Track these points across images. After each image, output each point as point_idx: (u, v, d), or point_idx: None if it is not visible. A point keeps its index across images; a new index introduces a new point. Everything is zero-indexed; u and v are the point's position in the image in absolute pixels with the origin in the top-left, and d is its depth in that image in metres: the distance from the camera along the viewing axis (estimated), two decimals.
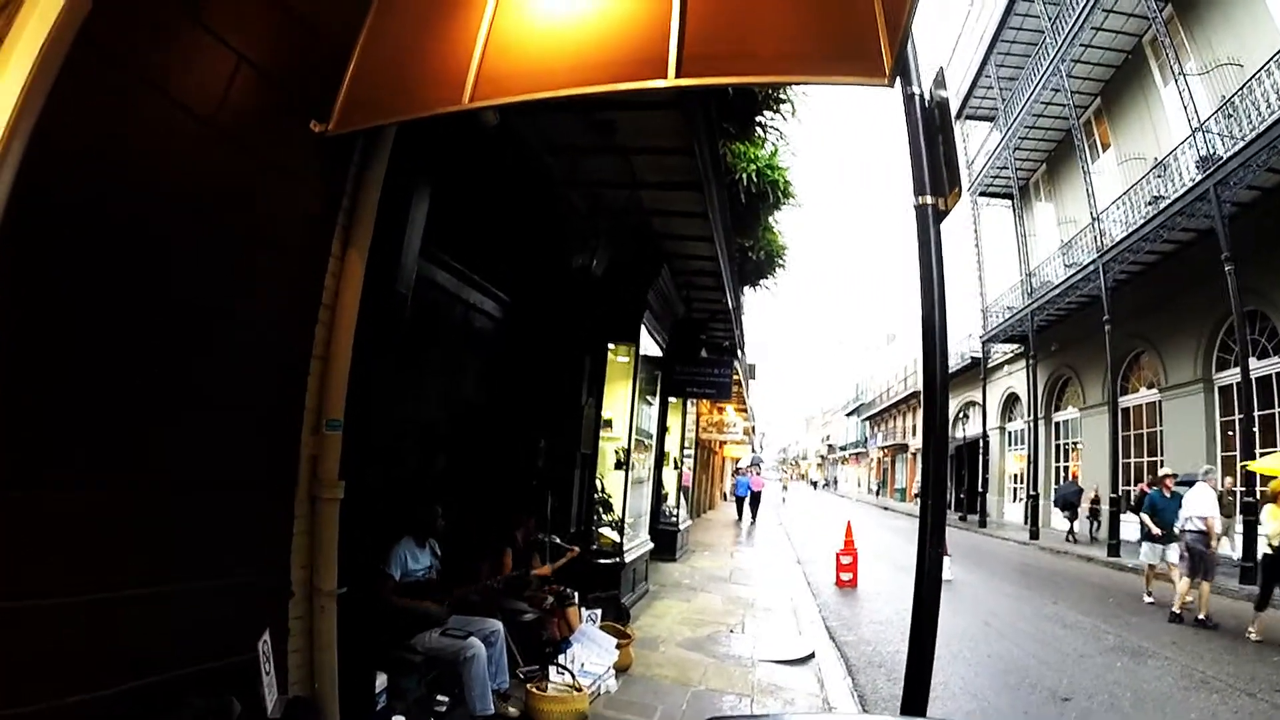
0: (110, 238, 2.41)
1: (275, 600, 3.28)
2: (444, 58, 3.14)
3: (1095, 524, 18.84)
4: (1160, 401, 17.81)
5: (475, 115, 3.57)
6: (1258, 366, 13.77)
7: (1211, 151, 13.02)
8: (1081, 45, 18.14)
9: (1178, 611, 9.58)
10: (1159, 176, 15.28)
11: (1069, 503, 19.37)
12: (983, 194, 26.36)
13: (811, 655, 7.19)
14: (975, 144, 26.74)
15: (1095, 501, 18.84)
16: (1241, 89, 12.42)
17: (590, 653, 5.81)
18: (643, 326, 8.55)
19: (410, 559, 4.78)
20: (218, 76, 2.77)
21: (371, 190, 3.64)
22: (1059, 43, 18.41)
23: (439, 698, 4.46)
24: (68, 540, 2.32)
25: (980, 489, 26.87)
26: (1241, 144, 12.11)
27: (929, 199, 3.46)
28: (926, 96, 3.15)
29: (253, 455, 3.16)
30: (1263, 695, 6.32)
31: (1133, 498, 14.39)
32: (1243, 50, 13.65)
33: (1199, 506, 9.59)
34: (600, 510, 8.37)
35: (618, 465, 8.69)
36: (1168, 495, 10.82)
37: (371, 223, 3.65)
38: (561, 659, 5.42)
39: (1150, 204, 15.34)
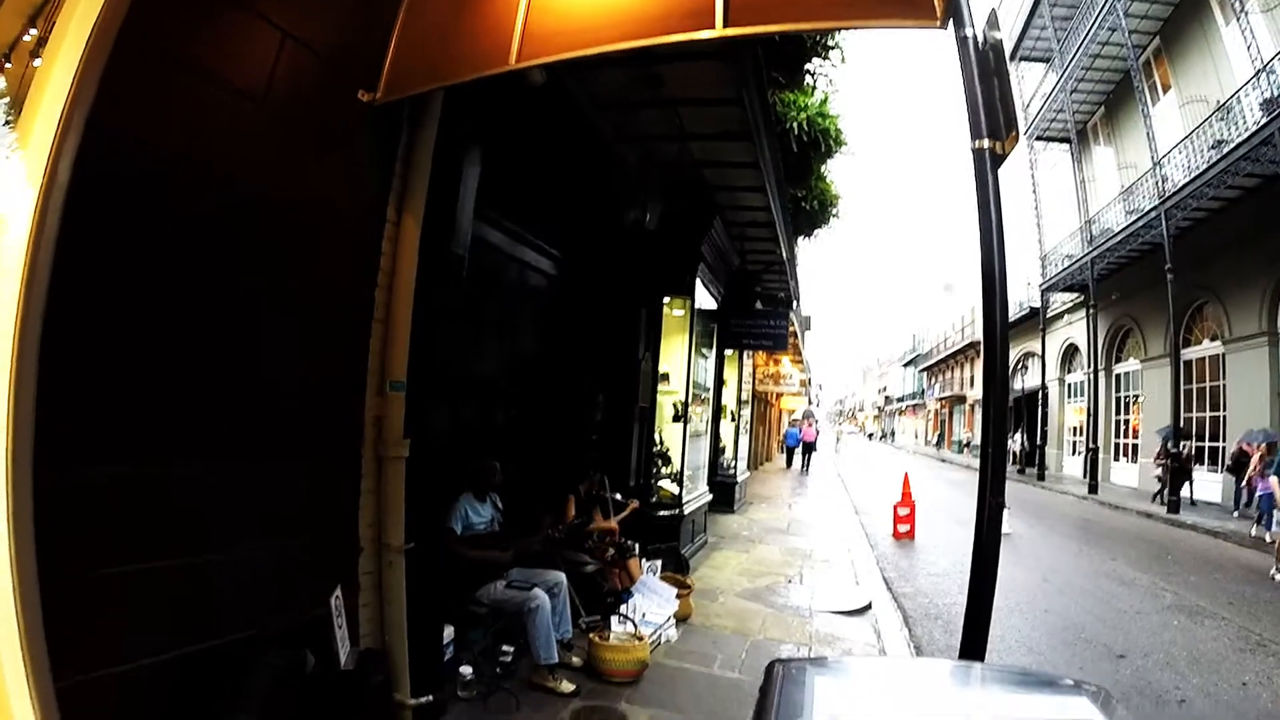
0: (168, 220, 2.50)
1: (345, 557, 3.42)
2: (488, 19, 3.13)
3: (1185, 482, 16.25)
4: (1224, 354, 17.10)
5: (522, 75, 3.56)
6: None
7: (1276, 94, 12.32)
8: None
9: None
10: (1222, 120, 14.44)
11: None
12: (1039, 138, 25.15)
13: (869, 606, 7.21)
14: (1030, 86, 25.45)
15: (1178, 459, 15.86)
16: None
17: (651, 603, 5.91)
18: (697, 279, 8.52)
19: (472, 513, 4.90)
20: (264, 54, 2.82)
21: (423, 155, 3.68)
22: None
23: (504, 648, 4.61)
24: (155, 510, 2.46)
25: (1039, 441, 26.31)
26: None
27: (986, 143, 3.36)
28: (980, 38, 3.03)
29: (319, 420, 3.28)
30: None
31: (1228, 455, 14.01)
32: None
33: None
34: (659, 463, 8.44)
35: (675, 418, 8.72)
36: None
37: (425, 187, 3.70)
38: (623, 609, 5.53)
39: (1213, 148, 14.51)
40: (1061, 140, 24.39)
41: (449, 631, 4.26)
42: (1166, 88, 18.99)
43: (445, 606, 4.29)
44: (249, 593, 2.81)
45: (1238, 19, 13.49)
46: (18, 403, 2.00)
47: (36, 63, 2.12)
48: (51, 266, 2.05)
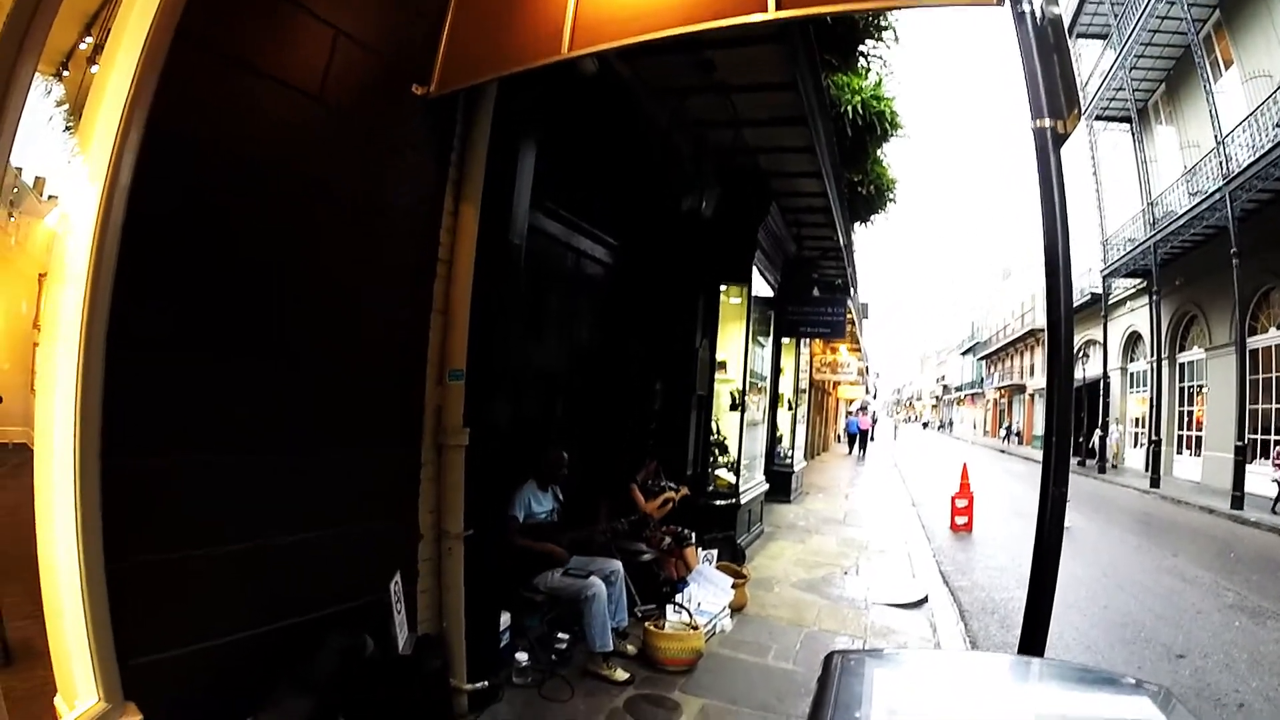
0: (229, 218, 2.58)
1: (405, 543, 3.50)
2: (539, 9, 3.13)
3: None
4: None
5: (574, 64, 3.56)
6: None
7: None
8: None
9: None
10: None
11: None
12: (1099, 118, 24.17)
13: (925, 599, 7.10)
14: (1088, 64, 24.32)
15: None
16: None
17: (707, 592, 5.91)
18: (753, 266, 8.45)
19: (534, 502, 4.95)
20: (316, 51, 2.87)
21: (479, 146, 3.72)
22: None
23: (560, 635, 4.65)
24: (221, 497, 2.56)
25: (1101, 431, 25.47)
26: None
27: (1047, 122, 3.26)
28: (1038, 14, 2.94)
29: (380, 409, 3.35)
30: None
31: None
32: None
33: None
34: (716, 452, 8.42)
35: (732, 407, 8.69)
36: None
37: (481, 178, 3.74)
38: (679, 598, 5.54)
39: (1279, 125, 13.80)
40: (1122, 120, 23.36)
41: (505, 618, 4.32)
42: (1229, 63, 18.05)
43: (502, 593, 4.35)
44: (311, 578, 2.90)
45: None
46: (85, 396, 2.09)
47: (94, 69, 2.18)
48: (116, 266, 2.14)
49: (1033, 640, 3.30)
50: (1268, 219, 15.47)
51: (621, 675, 4.53)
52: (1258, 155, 14.43)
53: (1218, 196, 15.84)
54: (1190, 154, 19.15)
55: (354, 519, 3.11)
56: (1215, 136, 16.02)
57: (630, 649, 4.97)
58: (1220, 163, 15.86)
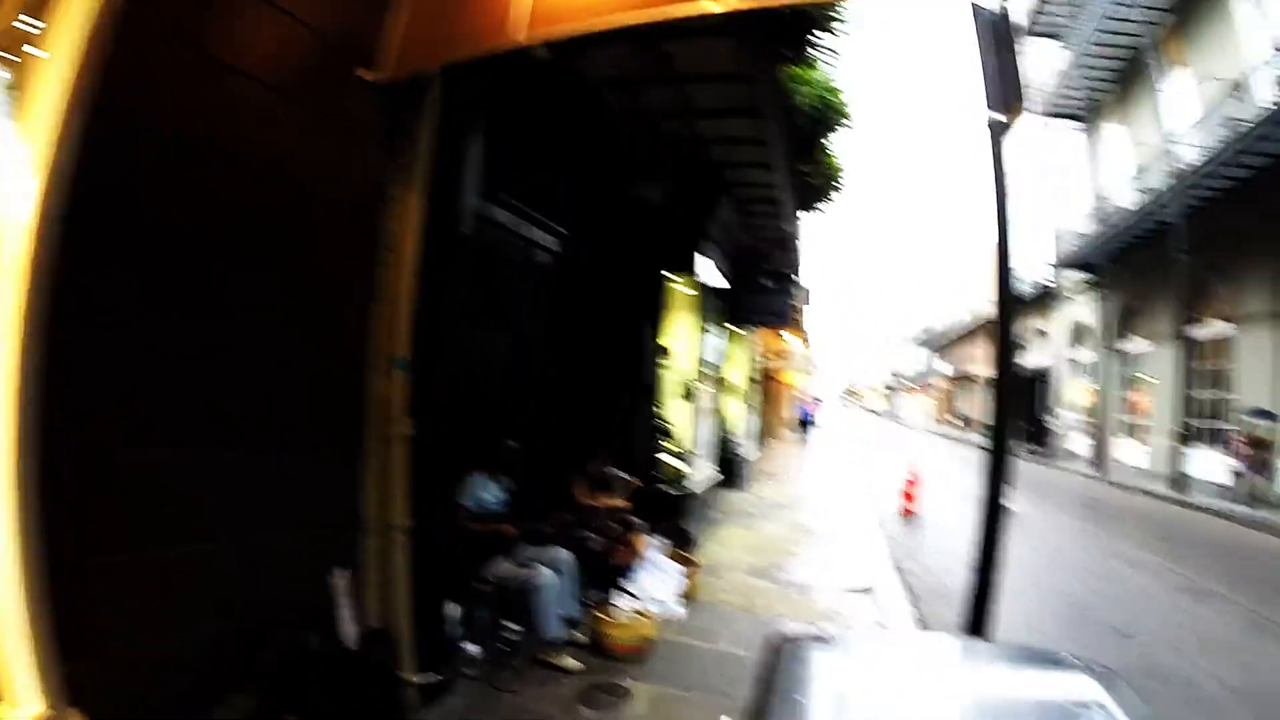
0: (169, 200, 2.49)
1: (350, 537, 3.43)
2: None
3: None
4: (1233, 335, 16.87)
5: (527, 51, 3.52)
6: None
7: None
8: None
9: None
10: (1236, 97, 14.19)
11: None
12: (1052, 115, 24.75)
13: (873, 584, 7.24)
14: (1043, 63, 25.14)
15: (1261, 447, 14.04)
16: None
17: (656, 580, 5.93)
18: (702, 255, 8.46)
19: (483, 492, 4.91)
20: (266, 35, 2.81)
21: (427, 133, 3.65)
22: None
23: (510, 625, 4.63)
24: (168, 493, 2.48)
25: (1046, 419, 26.20)
26: None
27: (999, 114, 3.33)
28: (994, 7, 3.00)
29: (322, 401, 3.28)
30: None
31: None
32: None
33: None
34: (665, 440, 8.45)
35: (682, 396, 8.72)
36: None
37: (428, 164, 3.67)
38: (629, 586, 5.55)
39: (1226, 126, 14.23)
40: (1074, 118, 24.05)
41: (454, 610, 4.28)
42: (1180, 64, 18.65)
43: (450, 585, 4.30)
44: (256, 575, 2.83)
45: None
46: (23, 393, 2.01)
47: (38, 52, 2.11)
48: (57, 254, 2.06)
49: (977, 621, 3.40)
50: (1213, 217, 15.97)
51: (573, 664, 4.53)
52: (1206, 155, 14.91)
53: (1165, 194, 16.34)
54: (1139, 152, 19.72)
55: (297, 512, 3.05)
56: (1164, 136, 16.56)
57: (581, 638, 4.97)
58: (1168, 161, 16.35)
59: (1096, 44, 20.24)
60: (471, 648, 4.32)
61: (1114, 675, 1.86)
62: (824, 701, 1.58)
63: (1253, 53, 14.44)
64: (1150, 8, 17.82)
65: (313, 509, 3.17)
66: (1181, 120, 16.68)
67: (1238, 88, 14.21)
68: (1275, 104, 12.57)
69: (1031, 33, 23.97)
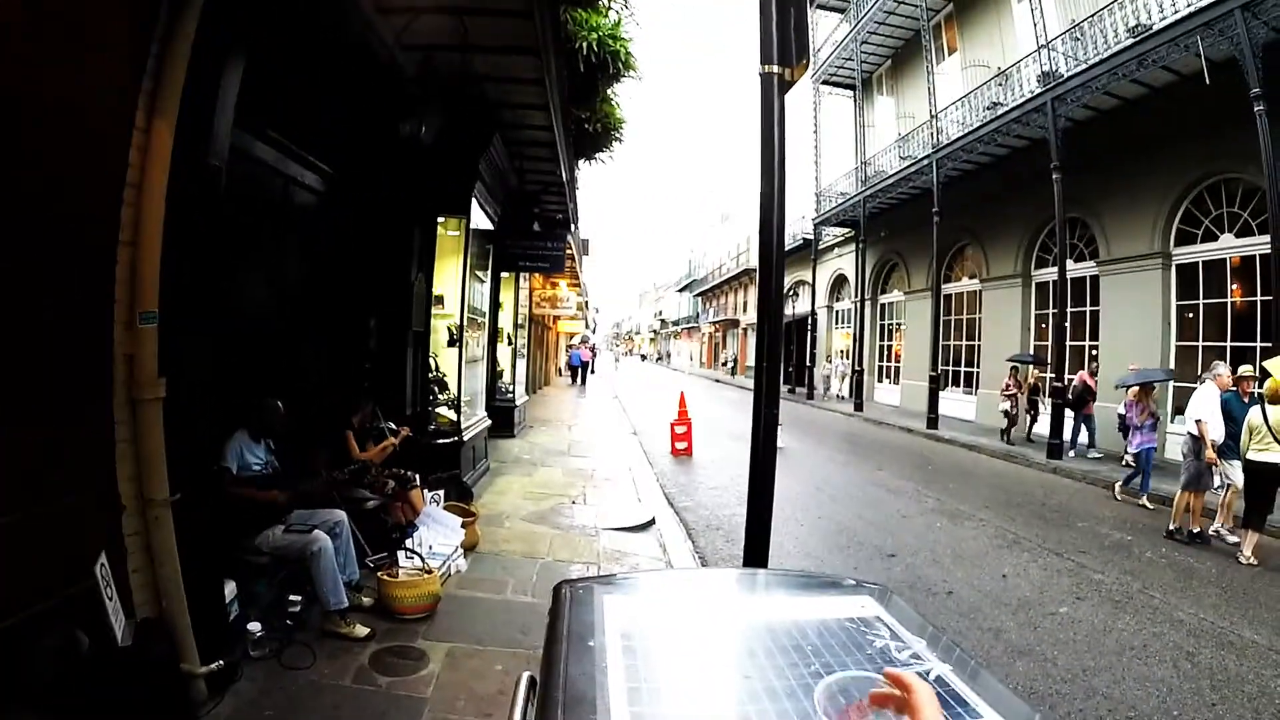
0: None
1: (106, 518, 2.99)
2: None
3: (1031, 418, 16.07)
4: (981, 291, 19.46)
5: None
6: (1073, 268, 15.19)
7: (1054, 69, 13.82)
8: None
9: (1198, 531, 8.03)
10: (1000, 84, 16.08)
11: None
12: (825, 83, 26.47)
13: (652, 521, 7.55)
14: (823, 33, 26.57)
15: (1032, 391, 16.21)
16: (1093, 16, 13.05)
17: (437, 534, 5.81)
18: (474, 199, 8.21)
19: (247, 453, 4.52)
20: None
21: (179, 54, 3.17)
22: None
23: (291, 598, 4.33)
24: None
25: (809, 363, 28.62)
26: (1083, 66, 12.91)
27: (776, 68, 3.46)
28: None
29: (56, 359, 2.80)
30: (1068, 555, 7.18)
31: (1071, 388, 13.68)
32: None
33: (1199, 409, 8.11)
34: (435, 389, 8.18)
35: (451, 343, 8.46)
36: (1245, 401, 8.20)
37: (180, 89, 3.21)
38: (409, 543, 5.40)
39: (989, 109, 16.16)
40: (847, 87, 25.72)
41: (231, 587, 3.91)
42: (953, 49, 20.58)
43: (223, 560, 3.93)
44: (3, 572, 2.37)
45: None
46: None
47: None
48: None
49: (756, 553, 3.62)
50: (965, 187, 18.23)
51: (362, 631, 4.34)
52: (968, 131, 16.79)
53: (926, 163, 18.25)
54: (904, 124, 21.72)
55: (39, 495, 2.59)
56: (931, 111, 18.28)
57: (366, 601, 4.78)
58: (932, 134, 18.19)
59: (877, 22, 21.88)
60: (255, 626, 3.98)
61: (888, 591, 2.02)
62: (614, 643, 1.59)
63: (1020, 48, 16.28)
64: None
65: (59, 489, 2.71)
66: (946, 98, 18.49)
67: (1003, 76, 16.01)
68: (1032, 93, 14.41)
69: (814, 4, 25.35)
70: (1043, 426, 14.52)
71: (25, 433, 2.59)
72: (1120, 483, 10.30)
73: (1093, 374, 13.93)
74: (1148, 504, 9.60)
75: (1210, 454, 7.82)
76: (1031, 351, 16.98)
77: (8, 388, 2.52)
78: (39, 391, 2.69)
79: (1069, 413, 13.74)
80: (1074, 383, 13.85)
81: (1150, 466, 9.80)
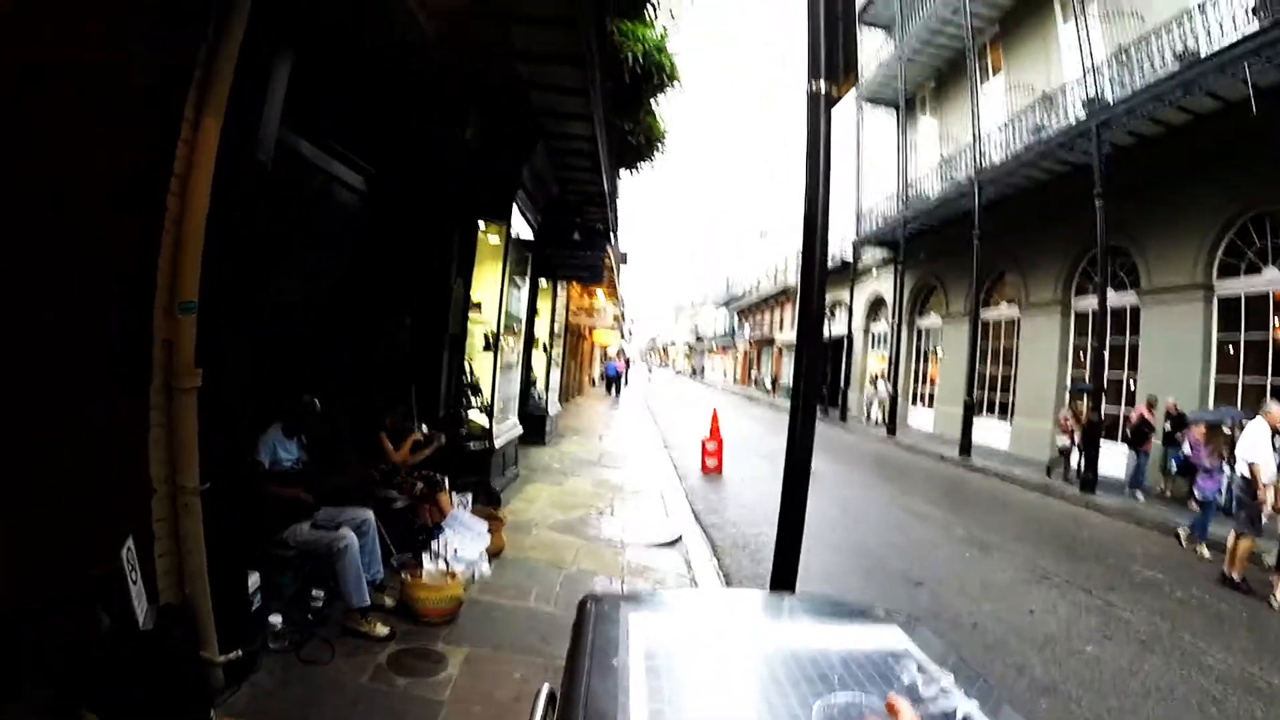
0: None
1: (136, 503, 3.01)
2: None
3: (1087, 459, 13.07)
4: (1020, 318, 18.99)
5: None
6: (1113, 298, 14.48)
7: (1099, 94, 13.52)
8: None
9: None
10: (1045, 108, 15.80)
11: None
12: (869, 100, 26.37)
13: (679, 538, 7.46)
14: (869, 52, 26.43)
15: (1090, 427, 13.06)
16: (1139, 40, 12.79)
17: (463, 538, 5.79)
18: (515, 205, 8.22)
19: (280, 449, 4.56)
20: None
21: (229, 52, 3.22)
22: None
23: (314, 592, 4.35)
24: None
25: (843, 385, 28.30)
26: (1130, 92, 12.62)
27: (823, 85, 3.41)
28: None
29: (98, 344, 2.84)
30: (1097, 593, 6.95)
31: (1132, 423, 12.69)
32: (1147, 3, 13.89)
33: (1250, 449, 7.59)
34: (469, 394, 8.22)
35: (486, 348, 8.49)
36: None
37: (228, 87, 3.25)
38: (434, 545, 5.38)
39: (1034, 132, 15.85)
40: (890, 105, 25.54)
41: (255, 579, 3.92)
42: (997, 70, 20.31)
43: (250, 552, 3.95)
44: (33, 551, 2.40)
45: (1076, 19, 14.49)
46: None
47: None
48: None
49: (784, 575, 3.54)
50: (1006, 211, 17.78)
51: (382, 630, 4.32)
52: (1011, 154, 16.50)
53: (968, 186, 17.91)
54: (947, 145, 21.45)
55: (74, 476, 2.62)
56: (974, 133, 18.00)
57: (388, 601, 4.77)
58: (975, 156, 17.89)
59: (922, 41, 21.71)
60: (276, 619, 4.00)
61: (916, 622, 1.96)
62: (638, 663, 1.55)
63: (1065, 71, 16.03)
64: (978, 15, 19.27)
65: (94, 471, 2.74)
66: (990, 121, 18.21)
67: (1047, 100, 15.71)
68: (1078, 120, 14.08)
69: (863, 21, 25.30)
70: (1104, 467, 13.21)
71: (67, 411, 2.63)
72: (1186, 529, 9.45)
73: (1150, 407, 12.92)
74: (1205, 552, 8.81)
75: (1264, 494, 7.38)
76: (1069, 381, 16.46)
77: (49, 373, 2.56)
78: (81, 372, 2.73)
79: (1126, 448, 13.09)
80: (1133, 417, 13.07)
81: (1213, 513, 9.05)
